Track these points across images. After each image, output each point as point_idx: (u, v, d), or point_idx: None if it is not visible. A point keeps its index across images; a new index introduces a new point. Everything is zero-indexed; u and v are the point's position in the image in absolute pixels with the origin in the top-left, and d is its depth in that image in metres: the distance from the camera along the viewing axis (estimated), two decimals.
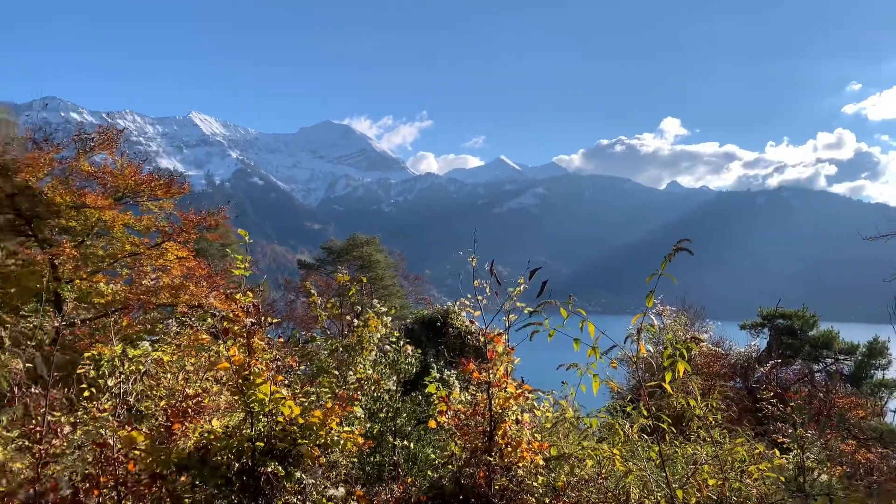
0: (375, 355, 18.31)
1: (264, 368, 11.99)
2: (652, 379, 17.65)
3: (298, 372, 17.22)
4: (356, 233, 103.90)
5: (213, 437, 11.63)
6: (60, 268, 32.84)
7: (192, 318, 21.66)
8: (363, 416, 15.30)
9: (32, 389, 13.22)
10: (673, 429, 14.37)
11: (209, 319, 20.57)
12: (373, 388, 17.73)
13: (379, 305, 18.84)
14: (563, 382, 14.43)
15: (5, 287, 31.06)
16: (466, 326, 34.89)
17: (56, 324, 23.49)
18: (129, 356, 14.89)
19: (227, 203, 39.53)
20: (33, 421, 12.10)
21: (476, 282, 14.09)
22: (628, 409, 14.72)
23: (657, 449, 13.00)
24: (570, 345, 11.59)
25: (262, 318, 12.45)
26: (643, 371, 19.53)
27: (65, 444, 11.98)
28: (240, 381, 11.92)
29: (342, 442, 12.09)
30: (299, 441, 11.54)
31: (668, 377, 11.48)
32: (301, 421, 11.68)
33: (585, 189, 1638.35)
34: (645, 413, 13.08)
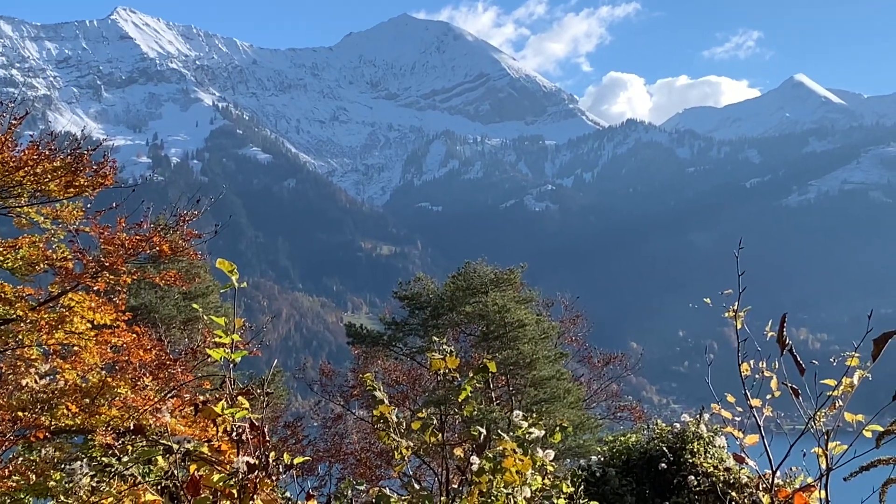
0: None
1: None
2: None
3: None
4: (468, 261, 58.01)
5: None
6: None
7: (125, 459, 15.33)
8: None
9: None
10: None
11: (160, 461, 12.66)
12: None
13: (526, 423, 11.51)
14: None
15: None
16: (726, 468, 21.42)
17: None
18: None
19: (194, 201, 21.81)
20: None
21: (745, 367, 7.97)
22: None
23: None
24: None
25: (272, 457, 6.27)
26: None
27: None
28: None
29: None
30: None
31: None
32: None
33: None
34: None
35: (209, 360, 26.29)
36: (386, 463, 48.22)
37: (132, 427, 17.30)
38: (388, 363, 55.82)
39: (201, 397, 19.83)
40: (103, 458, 15.36)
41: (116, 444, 17.14)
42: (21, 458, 19.18)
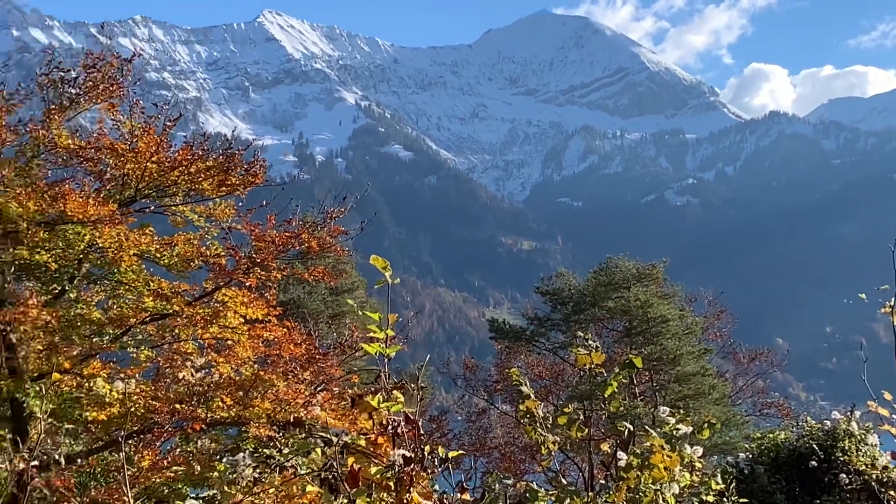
0: None
1: None
2: None
3: None
4: (610, 256, 57.22)
5: None
6: (20, 349, 18.57)
7: (285, 450, 15.43)
8: None
9: None
10: None
11: (317, 453, 13.27)
12: None
13: (673, 420, 11.24)
14: None
15: None
16: (883, 466, 20.57)
17: (17, 465, 13.16)
18: None
19: (340, 199, 22.02)
20: None
21: None
22: None
23: None
24: None
25: (426, 449, 6.32)
26: None
27: None
28: None
29: None
30: None
31: None
32: None
33: None
34: None
35: (356, 353, 26.65)
36: (530, 457, 47.94)
37: (292, 420, 18.09)
38: (531, 358, 55.21)
39: (350, 391, 20.15)
40: (264, 450, 15.72)
41: (277, 436, 17.60)
42: (178, 449, 19.78)
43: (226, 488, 13.46)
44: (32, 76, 21.46)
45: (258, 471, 13.92)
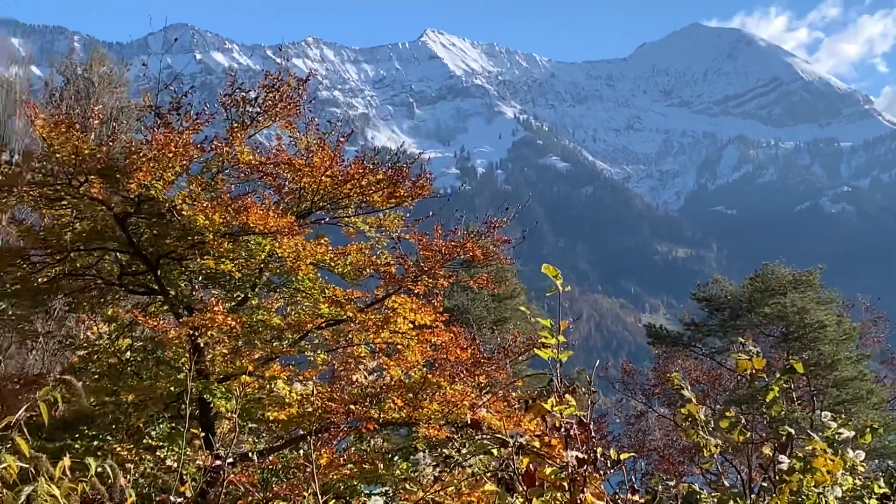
0: None
1: None
2: None
3: None
4: (766, 262, 55.93)
5: None
6: (207, 352, 18.91)
7: (462, 449, 15.32)
8: None
9: None
10: None
11: (493, 452, 12.43)
12: None
13: (835, 424, 10.08)
14: None
15: (119, 393, 18.44)
16: None
17: (206, 461, 11.90)
18: None
19: (503, 209, 21.75)
20: None
21: None
22: None
23: None
24: None
25: (598, 451, 6.28)
26: None
27: None
28: None
29: None
30: None
31: None
32: None
33: None
34: None
35: (520, 358, 26.58)
36: (688, 459, 47.32)
37: (469, 421, 17.80)
38: (688, 362, 54.23)
39: (514, 394, 20.12)
40: (444, 450, 15.81)
41: (455, 436, 17.61)
42: (353, 448, 20.05)
43: (408, 486, 13.60)
44: (215, 96, 22.03)
45: (438, 469, 14.09)
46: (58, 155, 18.78)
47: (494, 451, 10.81)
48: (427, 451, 17.26)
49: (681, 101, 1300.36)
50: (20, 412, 5.90)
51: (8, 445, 5.74)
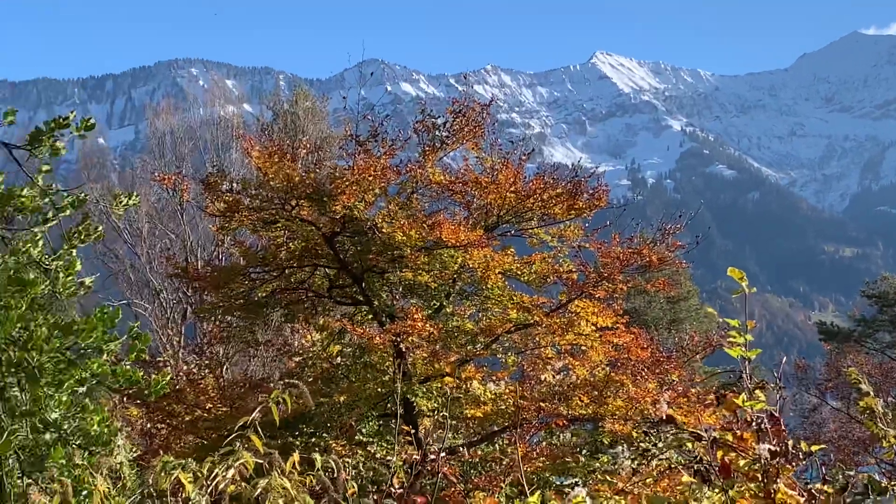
0: None
1: None
2: None
3: None
4: None
5: None
6: (409, 356, 19.18)
7: (659, 443, 15.07)
8: None
9: None
10: None
11: (689, 446, 12.06)
12: None
13: None
14: None
15: (332, 394, 19.11)
16: None
17: (412, 454, 14.98)
18: None
19: (672, 216, 21.68)
20: None
21: None
22: None
23: None
24: None
25: (789, 444, 6.14)
26: None
27: None
28: None
29: None
30: None
31: None
32: None
33: None
34: None
35: (696, 357, 26.11)
36: (863, 450, 45.78)
37: (664, 417, 17.46)
38: (860, 357, 51.01)
39: (693, 390, 19.76)
40: (640, 444, 15.81)
41: (653, 430, 17.60)
42: (545, 442, 20.15)
43: (599, 476, 13.57)
44: (405, 124, 22.73)
45: (636, 462, 14.08)
46: (272, 182, 19.66)
47: (689, 445, 10.74)
48: (625, 445, 17.20)
49: (842, 107, 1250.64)
50: (254, 413, 6.12)
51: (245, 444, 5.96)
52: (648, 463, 14.84)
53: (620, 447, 15.76)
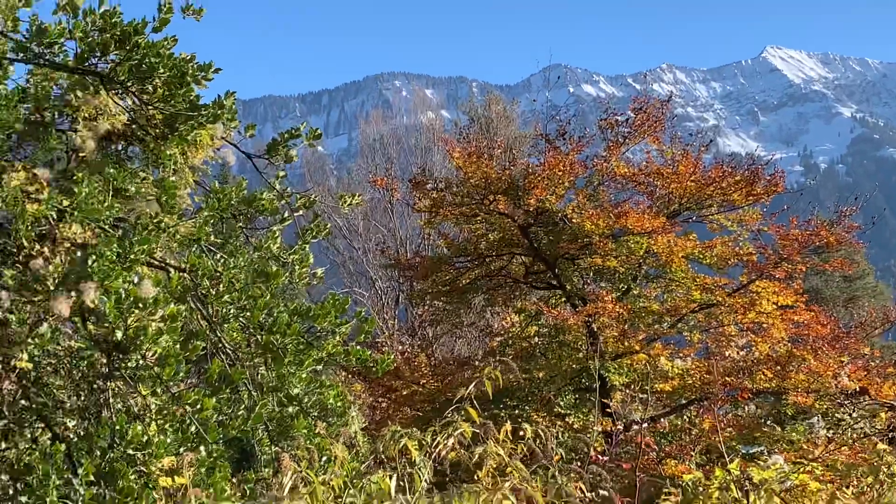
0: None
1: None
2: None
3: None
4: None
5: None
6: (600, 335, 19.12)
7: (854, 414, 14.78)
8: None
9: None
10: None
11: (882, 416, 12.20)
12: None
13: None
14: None
15: (531, 371, 19.65)
16: None
17: (607, 427, 15.35)
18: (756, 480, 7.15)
19: (849, 199, 21.45)
20: None
21: None
22: None
23: None
24: None
25: None
26: None
27: None
28: None
29: None
30: None
31: None
32: None
33: None
34: None
35: (874, 332, 25.35)
36: None
37: (857, 389, 17.29)
38: None
39: (871, 364, 19.24)
40: (836, 414, 15.67)
41: (846, 402, 17.39)
42: (730, 414, 19.97)
43: (805, 445, 13.41)
44: (587, 123, 23.13)
45: (831, 431, 13.91)
46: (471, 180, 20.55)
47: (882, 415, 10.62)
48: (820, 416, 17.06)
49: None
50: (470, 387, 6.42)
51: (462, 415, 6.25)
52: (843, 432, 14.60)
53: (816, 418, 15.56)
